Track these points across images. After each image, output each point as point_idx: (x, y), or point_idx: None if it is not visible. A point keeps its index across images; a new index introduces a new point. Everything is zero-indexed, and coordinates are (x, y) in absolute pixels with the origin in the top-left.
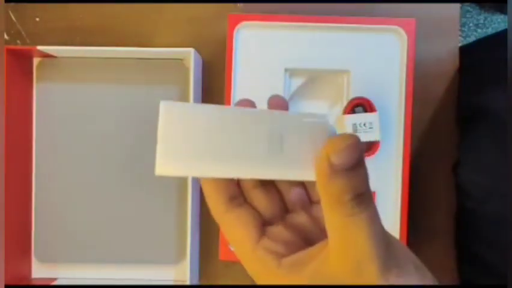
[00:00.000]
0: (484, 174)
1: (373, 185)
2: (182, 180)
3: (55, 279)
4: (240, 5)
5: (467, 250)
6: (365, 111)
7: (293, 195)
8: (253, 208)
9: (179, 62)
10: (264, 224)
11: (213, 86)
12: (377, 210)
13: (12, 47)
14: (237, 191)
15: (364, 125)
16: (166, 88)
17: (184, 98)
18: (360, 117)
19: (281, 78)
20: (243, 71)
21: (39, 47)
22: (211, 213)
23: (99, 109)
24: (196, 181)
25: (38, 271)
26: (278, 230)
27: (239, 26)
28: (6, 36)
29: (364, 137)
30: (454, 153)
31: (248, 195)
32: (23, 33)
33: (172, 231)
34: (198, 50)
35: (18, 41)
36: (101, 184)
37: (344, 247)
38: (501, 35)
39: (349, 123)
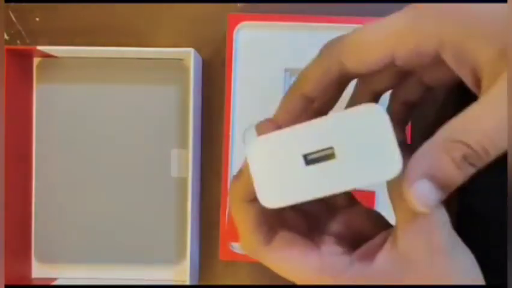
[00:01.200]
0: (487, 173)
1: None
2: (182, 180)
3: (55, 279)
4: (240, 5)
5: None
6: None
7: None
8: (290, 228)
9: (179, 62)
10: (307, 237)
11: (213, 86)
12: None
13: (12, 47)
14: (272, 218)
15: None
16: (166, 88)
17: (184, 98)
18: None
19: (281, 78)
20: (243, 71)
21: (39, 47)
22: (246, 251)
23: (99, 109)
24: (196, 181)
25: (38, 271)
26: (327, 238)
27: (239, 26)
28: (6, 36)
29: None
30: None
31: (282, 216)
32: (23, 33)
33: (172, 231)
34: (198, 50)
35: (18, 41)
36: (101, 184)
37: (413, 225)
38: None
39: None
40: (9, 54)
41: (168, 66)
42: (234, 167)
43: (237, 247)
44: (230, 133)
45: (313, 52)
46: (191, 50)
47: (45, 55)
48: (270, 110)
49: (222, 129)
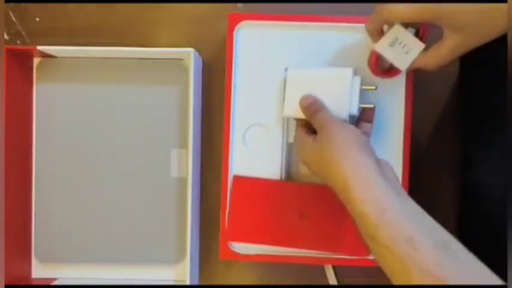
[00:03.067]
0: (500, 174)
1: None
2: (182, 180)
3: (55, 279)
4: (240, 5)
5: (476, 252)
6: (417, 37)
7: None
8: None
9: (179, 62)
10: None
11: (213, 86)
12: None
13: (12, 47)
14: None
15: (404, 46)
16: (166, 88)
17: (184, 98)
18: (407, 37)
19: (281, 78)
20: (243, 71)
21: (39, 47)
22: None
23: (99, 109)
24: (196, 181)
25: (38, 271)
26: None
27: (239, 26)
28: (6, 36)
29: (393, 57)
30: (454, 153)
31: None
32: (23, 33)
33: (172, 231)
34: (198, 50)
35: (18, 41)
36: (101, 184)
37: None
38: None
39: (393, 33)
40: (9, 54)
41: (168, 66)
42: (234, 167)
43: (237, 247)
44: (230, 133)
45: (313, 52)
46: (191, 50)
47: (45, 55)
48: (270, 110)
49: (222, 129)
